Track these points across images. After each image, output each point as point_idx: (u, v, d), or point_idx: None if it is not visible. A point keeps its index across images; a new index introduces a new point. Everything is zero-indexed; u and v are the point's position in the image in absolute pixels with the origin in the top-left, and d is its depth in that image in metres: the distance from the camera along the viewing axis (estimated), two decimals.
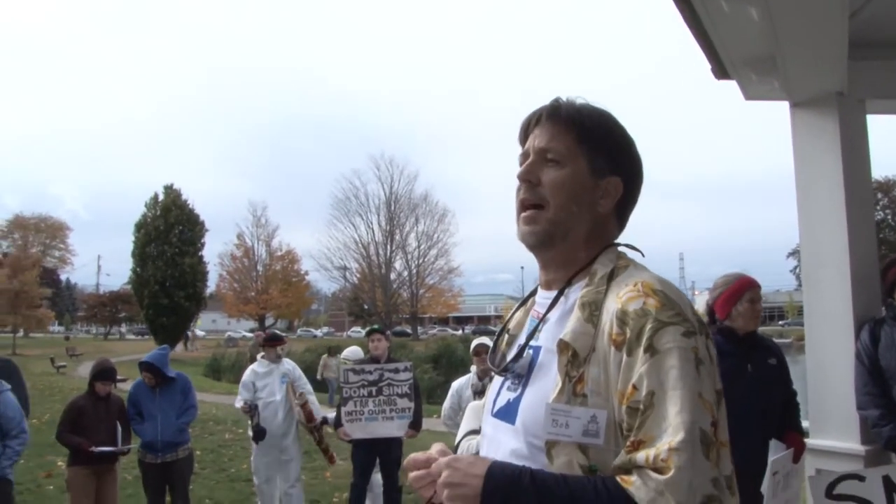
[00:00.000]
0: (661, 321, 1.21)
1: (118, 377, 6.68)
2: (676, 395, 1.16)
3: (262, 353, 7.30)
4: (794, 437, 3.78)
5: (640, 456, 1.16)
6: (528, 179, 1.46)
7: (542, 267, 1.51)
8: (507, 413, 1.40)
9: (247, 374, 7.14)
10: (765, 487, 3.49)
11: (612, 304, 1.28)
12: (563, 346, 1.29)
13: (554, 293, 1.45)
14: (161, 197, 44.79)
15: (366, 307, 62.36)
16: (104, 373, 6.07)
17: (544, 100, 1.52)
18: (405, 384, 6.33)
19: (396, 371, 6.36)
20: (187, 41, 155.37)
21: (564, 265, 1.45)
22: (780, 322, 69.36)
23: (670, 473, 1.11)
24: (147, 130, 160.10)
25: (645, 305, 1.23)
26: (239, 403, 6.97)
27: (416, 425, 6.42)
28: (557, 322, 1.39)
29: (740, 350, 3.72)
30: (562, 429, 1.25)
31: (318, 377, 18.91)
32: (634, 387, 1.20)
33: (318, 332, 74.17)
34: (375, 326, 7.06)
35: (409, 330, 62.59)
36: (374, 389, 6.28)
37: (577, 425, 1.24)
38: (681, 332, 1.21)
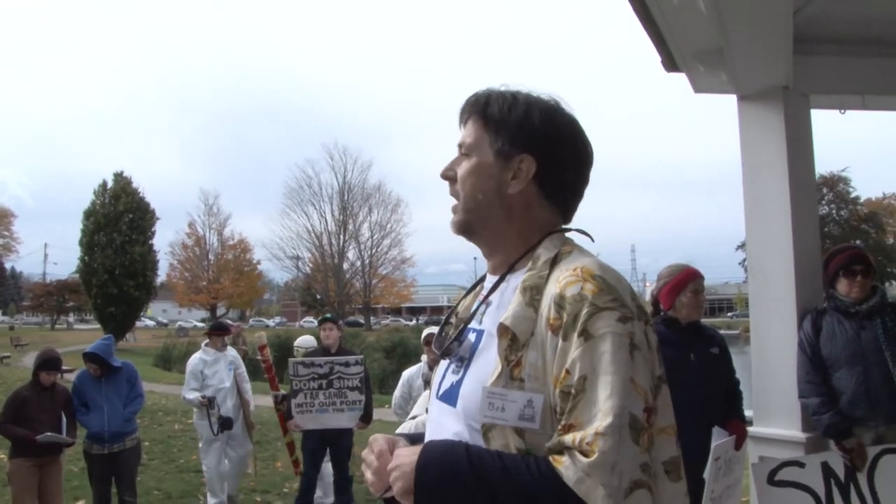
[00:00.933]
0: (597, 306, 1.21)
1: (64, 367, 6.54)
2: (607, 380, 1.16)
3: (207, 342, 7.29)
4: (736, 424, 3.85)
5: (568, 438, 1.17)
6: (446, 176, 1.51)
7: (483, 254, 1.53)
8: (450, 396, 1.41)
9: (194, 364, 7.11)
10: (707, 473, 3.55)
11: (552, 289, 1.28)
12: (503, 329, 1.29)
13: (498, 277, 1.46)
14: (110, 184, 43.62)
15: (318, 297, 61.77)
16: (49, 362, 5.92)
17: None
18: (356, 377, 6.31)
19: (347, 365, 6.33)
20: (139, 30, 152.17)
21: (500, 250, 1.47)
22: (729, 314, 70.70)
23: (594, 457, 1.12)
24: (96, 117, 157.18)
25: (582, 290, 1.23)
26: (192, 395, 6.92)
27: (366, 417, 6.42)
28: (499, 306, 1.40)
29: (683, 339, 3.79)
30: (498, 412, 1.26)
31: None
32: (567, 371, 1.20)
33: (271, 322, 73.53)
34: (328, 315, 7.03)
35: (361, 320, 62.35)
36: (324, 382, 6.25)
37: (513, 409, 1.25)
38: (616, 317, 1.21)
